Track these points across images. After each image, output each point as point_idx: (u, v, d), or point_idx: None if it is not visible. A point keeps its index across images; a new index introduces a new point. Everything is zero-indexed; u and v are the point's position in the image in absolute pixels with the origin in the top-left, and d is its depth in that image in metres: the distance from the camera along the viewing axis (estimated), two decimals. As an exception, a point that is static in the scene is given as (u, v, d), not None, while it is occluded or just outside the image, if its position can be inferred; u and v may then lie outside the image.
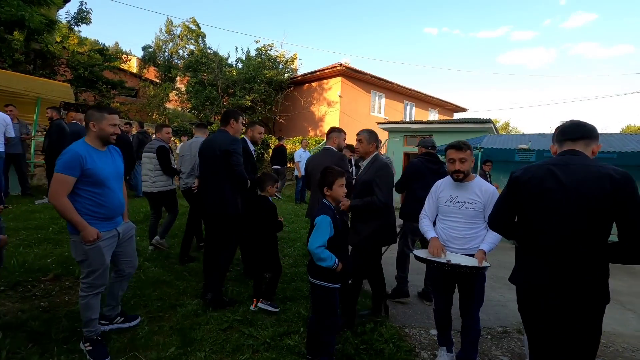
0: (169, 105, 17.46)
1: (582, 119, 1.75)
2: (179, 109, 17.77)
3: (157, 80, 18.41)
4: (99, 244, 2.22)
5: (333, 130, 3.84)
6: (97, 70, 10.73)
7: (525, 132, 21.24)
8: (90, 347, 2.25)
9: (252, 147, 3.81)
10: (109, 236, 2.32)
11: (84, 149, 2.22)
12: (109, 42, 22.64)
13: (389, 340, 2.70)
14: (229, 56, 17.85)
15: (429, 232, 2.50)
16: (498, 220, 1.87)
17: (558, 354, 1.63)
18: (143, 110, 14.06)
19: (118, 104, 11.98)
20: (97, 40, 14.98)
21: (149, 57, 18.25)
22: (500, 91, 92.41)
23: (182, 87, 17.39)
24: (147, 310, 2.98)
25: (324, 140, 13.73)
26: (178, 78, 17.80)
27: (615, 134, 9.16)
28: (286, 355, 2.44)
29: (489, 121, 10.56)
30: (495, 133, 11.22)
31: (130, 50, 23.26)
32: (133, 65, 20.05)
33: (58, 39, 10.86)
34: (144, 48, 18.57)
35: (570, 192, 1.58)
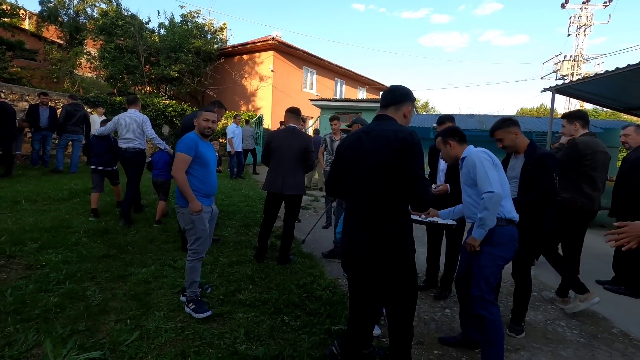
0: (80, 72, 15.48)
1: (401, 84, 1.94)
2: (92, 76, 15.84)
3: (61, 42, 16.07)
4: (202, 214, 2.74)
5: (296, 111, 3.93)
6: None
7: (441, 112, 23.48)
8: (194, 306, 2.66)
9: None
10: (207, 210, 2.83)
11: (196, 136, 2.79)
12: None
13: (326, 289, 3.21)
14: (150, 20, 16.35)
15: None
16: (329, 184, 2.10)
17: (376, 297, 1.88)
18: (48, 77, 12.24)
19: (19, 69, 10.24)
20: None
21: (49, 14, 15.72)
22: (421, 72, 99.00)
23: (93, 52, 15.47)
24: (96, 281, 3.06)
25: (258, 116, 13.66)
26: (87, 41, 15.72)
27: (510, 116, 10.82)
28: (239, 307, 2.79)
29: (410, 101, 11.64)
30: (415, 112, 12.41)
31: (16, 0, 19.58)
32: (26, 23, 17.13)
33: None
34: (42, 2, 15.91)
35: (369, 155, 1.76)
